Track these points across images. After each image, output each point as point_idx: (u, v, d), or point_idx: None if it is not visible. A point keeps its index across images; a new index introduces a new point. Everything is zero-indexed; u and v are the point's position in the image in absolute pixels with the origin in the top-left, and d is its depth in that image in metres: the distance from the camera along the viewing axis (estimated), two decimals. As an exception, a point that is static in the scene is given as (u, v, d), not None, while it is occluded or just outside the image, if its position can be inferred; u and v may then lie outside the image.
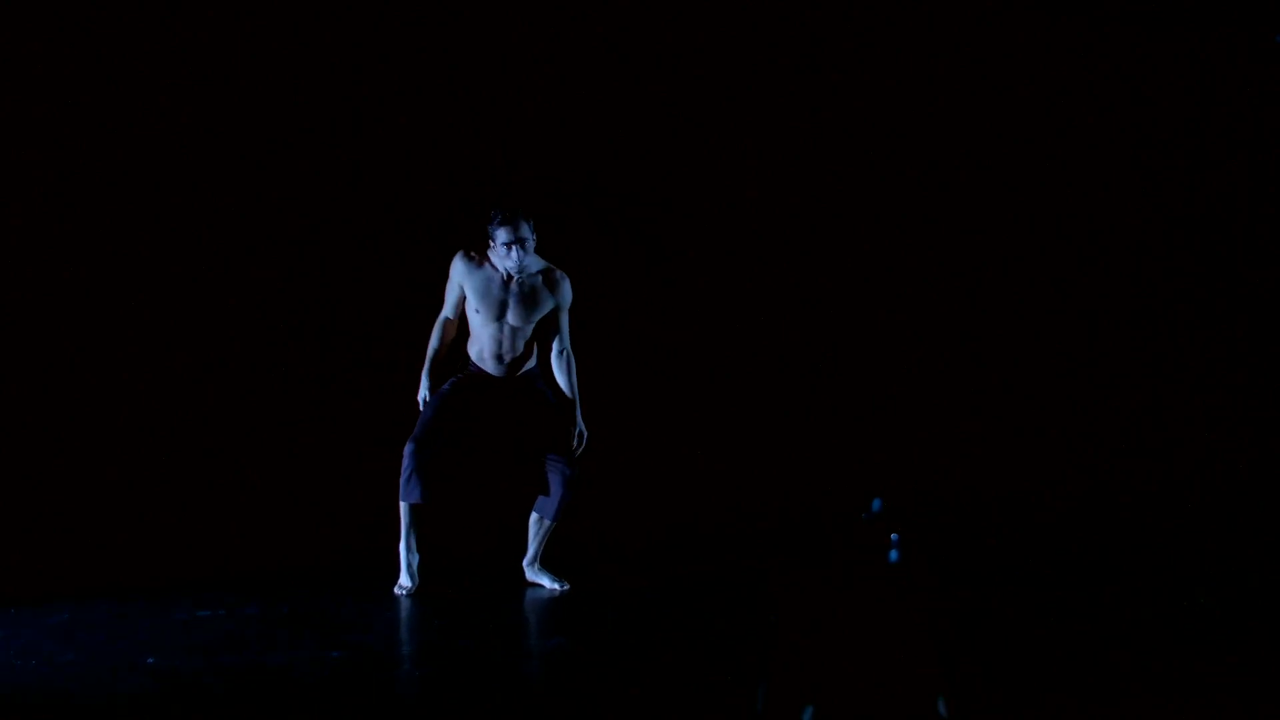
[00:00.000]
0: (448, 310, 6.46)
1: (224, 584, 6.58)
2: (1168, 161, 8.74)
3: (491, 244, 6.28)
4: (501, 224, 6.22)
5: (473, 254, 6.34)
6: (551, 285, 6.39)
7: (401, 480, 6.34)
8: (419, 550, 6.41)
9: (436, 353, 6.45)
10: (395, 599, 6.29)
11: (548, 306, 6.39)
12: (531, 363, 6.47)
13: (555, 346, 6.46)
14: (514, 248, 6.22)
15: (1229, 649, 5.37)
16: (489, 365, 6.39)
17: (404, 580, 6.40)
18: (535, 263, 6.35)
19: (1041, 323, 8.71)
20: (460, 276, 6.35)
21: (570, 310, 6.45)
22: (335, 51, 7.86)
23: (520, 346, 6.40)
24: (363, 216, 7.94)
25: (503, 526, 6.97)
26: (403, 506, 6.40)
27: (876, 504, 4.77)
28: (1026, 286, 8.70)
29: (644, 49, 8.26)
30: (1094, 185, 8.74)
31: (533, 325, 6.40)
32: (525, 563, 6.63)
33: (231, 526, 7.50)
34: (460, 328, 6.45)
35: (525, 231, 6.23)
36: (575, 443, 6.48)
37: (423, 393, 6.42)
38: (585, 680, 5.17)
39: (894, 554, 4.43)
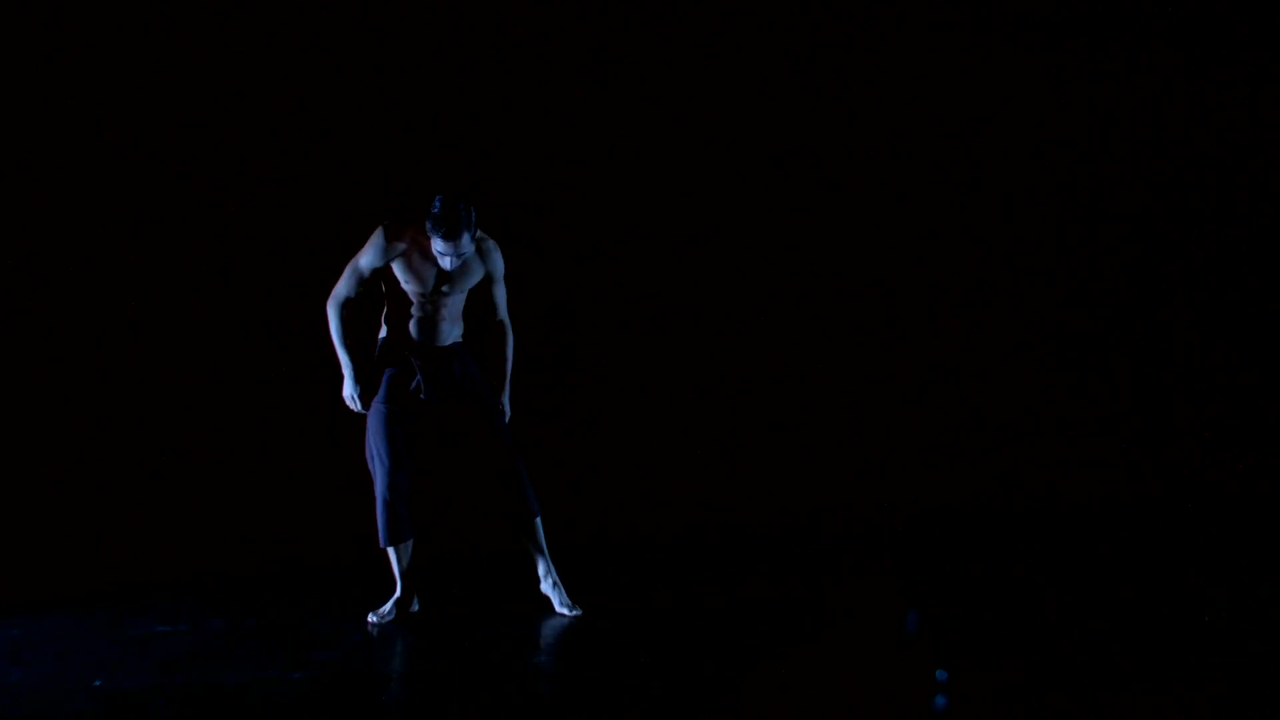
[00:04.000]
0: (348, 289, 5.55)
1: (192, 594, 5.92)
2: (1167, 164, 8.31)
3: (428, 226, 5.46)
4: (442, 236, 5.32)
5: (394, 231, 5.46)
6: (482, 254, 5.56)
7: (381, 527, 5.54)
8: (419, 601, 5.68)
9: (347, 339, 5.56)
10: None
11: (478, 275, 5.58)
12: (458, 334, 5.64)
13: (498, 316, 5.69)
14: (449, 255, 5.38)
15: (1229, 650, 5.00)
16: (416, 335, 5.54)
17: (386, 609, 5.58)
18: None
19: (1040, 324, 8.29)
20: (388, 256, 5.46)
21: (506, 279, 5.67)
22: (331, 50, 7.40)
23: (448, 316, 5.57)
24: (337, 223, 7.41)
25: (479, 538, 6.41)
26: (391, 551, 5.59)
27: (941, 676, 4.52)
28: (1024, 288, 8.27)
29: (637, 46, 7.79)
30: (1091, 189, 8.32)
31: (464, 294, 5.59)
32: (541, 577, 5.73)
33: (203, 534, 6.87)
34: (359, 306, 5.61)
35: (465, 246, 5.37)
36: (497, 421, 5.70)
37: (349, 390, 5.55)
38: (565, 702, 4.55)
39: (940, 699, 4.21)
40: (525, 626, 5.50)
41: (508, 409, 5.71)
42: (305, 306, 7.34)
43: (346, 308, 5.54)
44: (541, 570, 5.70)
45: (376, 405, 5.53)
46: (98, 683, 4.58)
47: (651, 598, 5.96)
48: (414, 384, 5.54)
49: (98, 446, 7.11)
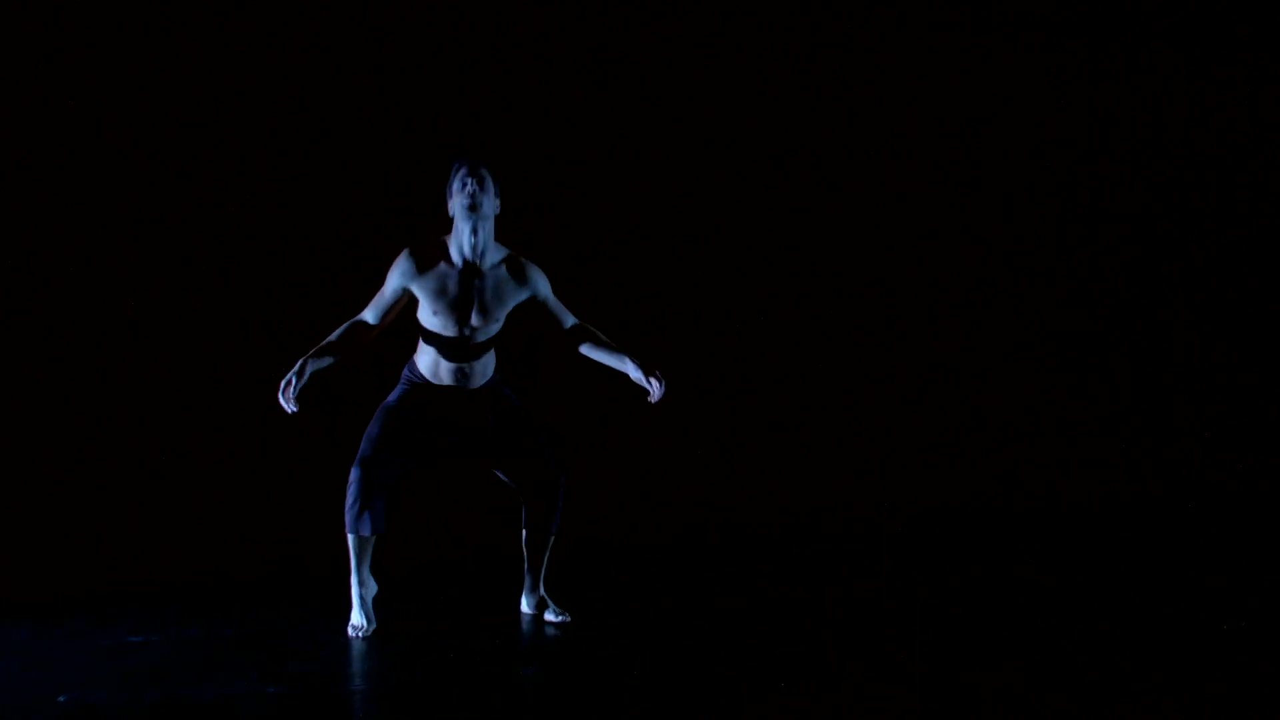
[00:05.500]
0: (369, 315, 5.12)
1: (169, 601, 5.53)
2: (1168, 164, 8.22)
3: (449, 199, 5.06)
4: (468, 169, 4.99)
5: (418, 250, 5.07)
6: (519, 275, 5.12)
7: (347, 509, 5.04)
8: (375, 582, 5.18)
9: (329, 346, 5.05)
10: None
11: (517, 298, 5.13)
12: (490, 374, 5.23)
13: (566, 327, 5.21)
14: (469, 181, 4.98)
15: (1229, 650, 4.83)
16: (445, 377, 5.12)
17: (357, 619, 5.11)
18: (496, 250, 5.10)
19: (1040, 324, 8.20)
20: (406, 279, 5.05)
21: (555, 293, 5.23)
22: (331, 50, 7.23)
23: (481, 354, 5.14)
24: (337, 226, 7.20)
25: (471, 541, 6.10)
26: (351, 538, 5.09)
27: None
28: (1024, 288, 8.17)
29: (637, 46, 7.65)
30: (1091, 189, 8.23)
31: (498, 326, 5.15)
32: (526, 591, 5.37)
33: (187, 537, 6.57)
34: (377, 334, 5.13)
35: (484, 173, 5.01)
36: (656, 388, 5.12)
37: (289, 375, 4.92)
38: (556, 715, 4.21)
39: None
40: (517, 635, 5.15)
41: (650, 378, 5.18)
42: (305, 307, 7.25)
43: (355, 330, 5.09)
44: (528, 585, 5.37)
45: (386, 403, 5.15)
46: (62, 698, 4.20)
47: (651, 599, 5.69)
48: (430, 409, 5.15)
49: (85, 447, 6.82)
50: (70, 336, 6.98)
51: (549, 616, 5.33)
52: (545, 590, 5.39)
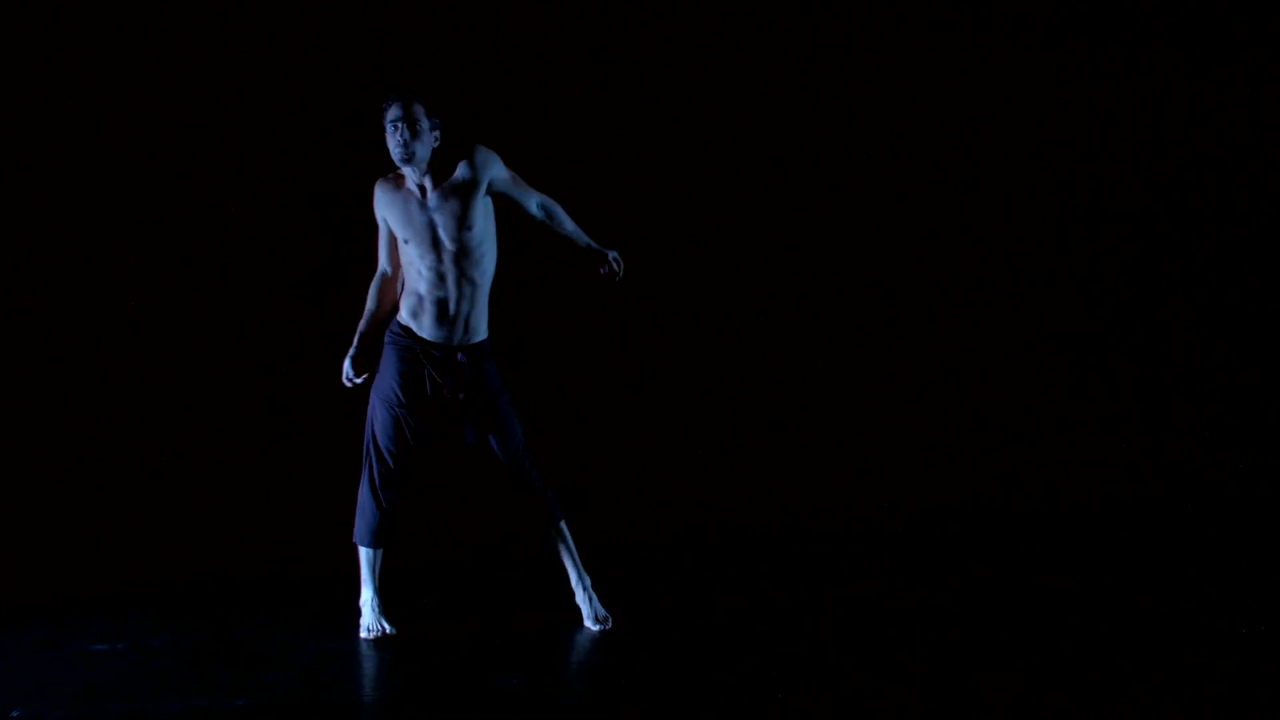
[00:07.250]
0: (384, 264, 5.10)
1: (139, 606, 5.32)
2: (1168, 164, 8.10)
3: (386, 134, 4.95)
4: (392, 100, 4.91)
5: (390, 176, 5.03)
6: (467, 169, 4.97)
7: (367, 526, 4.99)
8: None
9: (373, 315, 5.08)
10: (336, 631, 5.01)
11: (474, 195, 4.97)
12: (482, 328, 5.08)
13: (533, 209, 5.09)
14: (400, 125, 4.86)
15: (1229, 650, 4.79)
16: (429, 323, 4.98)
17: (374, 623, 5.05)
18: (439, 160, 5.00)
19: (1040, 324, 8.07)
20: (383, 207, 5.02)
21: (514, 172, 5.10)
22: (331, 50, 7.15)
23: (465, 289, 4.99)
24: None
25: (462, 545, 5.93)
26: (366, 552, 5.03)
27: None
28: (1024, 288, 8.05)
29: (637, 46, 7.56)
30: (1091, 189, 8.10)
31: (475, 249, 4.98)
32: (572, 583, 5.20)
33: (167, 540, 6.40)
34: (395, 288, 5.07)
35: (417, 113, 4.89)
36: (614, 269, 5.11)
37: (350, 356, 5.01)
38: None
39: None
40: (507, 642, 4.98)
41: (611, 252, 5.19)
42: (305, 307, 7.24)
43: (383, 286, 5.11)
44: (572, 579, 5.17)
45: (385, 403, 4.98)
46: (16, 713, 3.96)
47: (650, 599, 5.54)
48: (426, 385, 5.02)
49: (69, 449, 6.72)
50: (70, 336, 6.90)
51: (589, 624, 5.13)
52: (590, 583, 5.18)
